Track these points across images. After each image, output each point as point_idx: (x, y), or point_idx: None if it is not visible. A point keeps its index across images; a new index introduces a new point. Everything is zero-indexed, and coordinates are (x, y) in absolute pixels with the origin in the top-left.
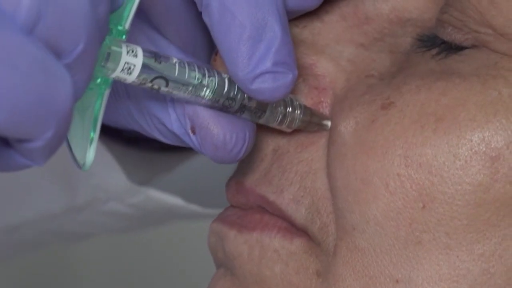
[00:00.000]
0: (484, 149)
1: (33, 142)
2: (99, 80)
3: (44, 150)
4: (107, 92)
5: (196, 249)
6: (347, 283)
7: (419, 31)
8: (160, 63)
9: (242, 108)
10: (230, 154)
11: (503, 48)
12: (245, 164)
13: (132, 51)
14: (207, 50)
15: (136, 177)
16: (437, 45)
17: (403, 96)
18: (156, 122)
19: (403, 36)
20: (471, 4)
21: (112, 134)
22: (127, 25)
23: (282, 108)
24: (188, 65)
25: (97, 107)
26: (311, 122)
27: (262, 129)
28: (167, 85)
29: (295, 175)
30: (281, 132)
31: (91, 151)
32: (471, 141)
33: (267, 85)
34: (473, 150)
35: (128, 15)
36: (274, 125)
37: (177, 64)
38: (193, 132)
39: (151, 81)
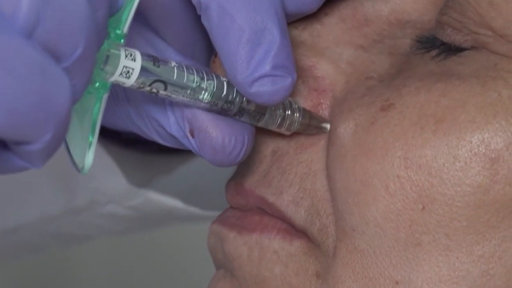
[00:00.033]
0: (483, 150)
1: (31, 144)
2: (97, 84)
3: (42, 152)
4: (105, 96)
5: (195, 251)
6: (346, 285)
7: (418, 33)
8: (158, 66)
9: (241, 111)
10: (229, 157)
11: (503, 49)
12: (245, 165)
13: (131, 55)
14: (206, 53)
15: (135, 179)
16: (437, 47)
17: (403, 97)
18: (155, 124)
19: (402, 38)
20: (471, 5)
21: (111, 136)
22: (125, 29)
23: (281, 111)
24: (187, 68)
25: (96, 110)
26: (310, 125)
27: (261, 131)
28: (165, 89)
29: (294, 177)
30: (280, 134)
31: (90, 154)
32: (471, 142)
33: (266, 89)
34: (473, 152)
35: (126, 19)
36: (273, 128)
37: (175, 68)
38: (192, 135)
39: (150, 84)
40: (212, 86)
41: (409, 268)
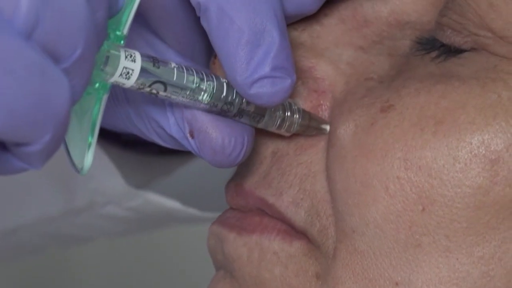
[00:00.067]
0: (483, 152)
1: (30, 146)
2: (97, 85)
3: (41, 154)
4: (105, 97)
5: (194, 252)
6: (346, 286)
7: (418, 34)
8: (158, 67)
9: (241, 112)
10: (228, 158)
11: (503, 51)
12: (245, 166)
13: (131, 56)
14: (206, 54)
15: (134, 180)
16: (436, 48)
17: (403, 99)
18: (155, 125)
19: (402, 39)
20: (471, 7)
21: (110, 137)
22: (125, 30)
23: (280, 112)
24: (186, 69)
25: (96, 111)
26: (310, 126)
27: (261, 132)
28: (165, 90)
29: (294, 178)
30: (280, 135)
31: (89, 155)
32: (471, 144)
33: (265, 90)
34: (473, 153)
35: (126, 21)
36: (273, 129)
37: (175, 69)
38: (192, 136)
39: (150, 85)
40: (211, 87)
41: (409, 269)
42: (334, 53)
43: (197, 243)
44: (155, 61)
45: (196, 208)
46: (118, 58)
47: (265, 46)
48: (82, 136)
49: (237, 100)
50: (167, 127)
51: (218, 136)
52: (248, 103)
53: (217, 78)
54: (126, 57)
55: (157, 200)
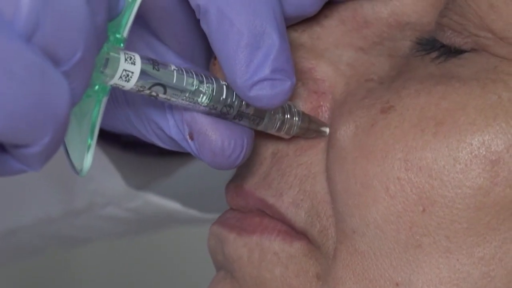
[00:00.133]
0: (484, 152)
1: (29, 147)
2: (97, 87)
3: (40, 155)
4: (105, 99)
5: (194, 253)
6: (347, 286)
7: (418, 35)
8: (158, 70)
9: (240, 114)
10: (228, 160)
11: (503, 52)
12: (245, 167)
13: (130, 58)
14: (206, 56)
15: (134, 181)
16: (437, 49)
17: (403, 100)
18: (155, 127)
19: (402, 40)
20: (471, 8)
21: (110, 139)
22: (125, 33)
23: (280, 114)
24: (186, 72)
25: (95, 114)
26: (309, 129)
27: (261, 133)
28: (165, 92)
29: (294, 179)
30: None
31: (88, 157)
32: (471, 144)
33: (265, 92)
34: (473, 154)
35: (126, 23)
36: (272, 131)
37: (175, 71)
38: (191, 138)
39: (149, 88)
40: (211, 90)
41: (409, 270)
42: (334, 54)
43: (197, 244)
44: (154, 63)
45: (196, 209)
46: (118, 60)
47: (265, 49)
48: (81, 138)
49: (236, 102)
50: (167, 129)
51: (218, 138)
52: (247, 105)
53: (217, 80)
54: (126, 59)
55: (157, 201)
